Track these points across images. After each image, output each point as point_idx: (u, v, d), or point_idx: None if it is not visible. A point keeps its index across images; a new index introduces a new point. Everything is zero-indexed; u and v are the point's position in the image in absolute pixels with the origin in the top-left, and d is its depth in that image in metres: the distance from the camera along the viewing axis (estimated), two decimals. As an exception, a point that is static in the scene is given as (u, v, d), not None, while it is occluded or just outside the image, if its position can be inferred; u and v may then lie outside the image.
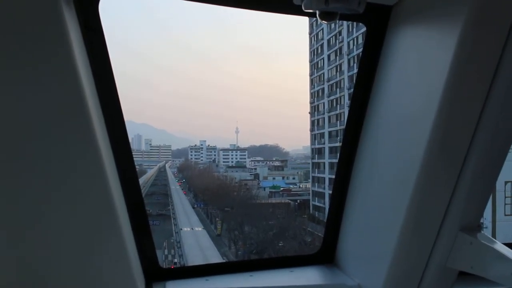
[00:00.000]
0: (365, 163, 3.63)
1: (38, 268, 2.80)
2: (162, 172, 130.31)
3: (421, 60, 3.11)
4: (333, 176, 4.04)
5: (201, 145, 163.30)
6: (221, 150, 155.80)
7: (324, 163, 77.26)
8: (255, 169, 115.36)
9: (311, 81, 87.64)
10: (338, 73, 77.12)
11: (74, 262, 2.87)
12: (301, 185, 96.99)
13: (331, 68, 79.90)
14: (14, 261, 2.75)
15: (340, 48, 76.57)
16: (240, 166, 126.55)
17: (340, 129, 71.10)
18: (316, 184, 79.04)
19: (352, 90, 3.88)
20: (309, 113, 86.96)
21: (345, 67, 74.18)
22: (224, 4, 3.24)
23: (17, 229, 2.70)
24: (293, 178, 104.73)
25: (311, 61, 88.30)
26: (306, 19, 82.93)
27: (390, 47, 3.37)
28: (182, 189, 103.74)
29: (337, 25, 72.40)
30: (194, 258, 48.33)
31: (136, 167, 3.50)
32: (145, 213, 3.45)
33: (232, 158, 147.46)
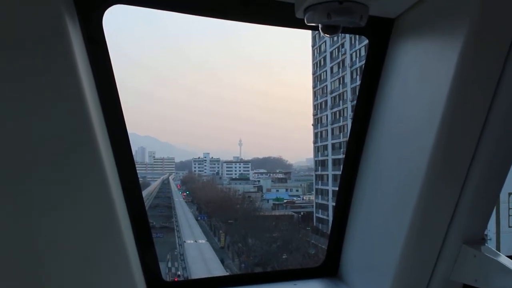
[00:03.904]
0: (368, 175, 3.62)
1: (40, 279, 2.79)
2: (165, 184, 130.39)
3: (423, 73, 3.12)
4: (337, 188, 4.04)
5: (205, 157, 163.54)
6: (225, 162, 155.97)
7: (327, 175, 77.27)
8: (259, 181, 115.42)
9: (314, 93, 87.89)
10: (341, 85, 77.35)
11: (76, 274, 2.86)
12: (304, 197, 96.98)
13: (334, 80, 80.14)
14: (16, 271, 2.74)
15: (343, 61, 76.87)
16: (244, 178, 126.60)
17: (343, 141, 71.17)
18: (320, 196, 79.01)
19: (355, 102, 3.89)
20: (312, 125, 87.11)
21: (347, 79, 74.44)
22: (228, 18, 3.26)
23: (19, 240, 2.69)
24: (297, 190, 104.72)
25: (314, 73, 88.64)
26: (308, 32, 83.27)
27: (392, 59, 3.38)
28: (184, 198, 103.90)
29: (339, 38, 72.71)
30: (198, 271, 48.13)
31: (140, 179, 3.50)
32: (148, 226, 3.44)
33: (235, 170, 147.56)
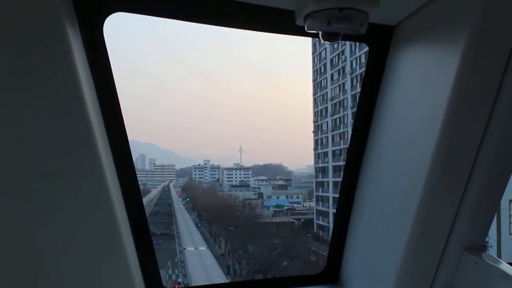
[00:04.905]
0: (369, 182, 3.62)
1: (40, 279, 2.78)
2: (166, 191, 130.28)
3: (423, 79, 3.12)
4: (337, 195, 4.03)
5: (205, 164, 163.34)
6: (225, 169, 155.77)
7: (328, 182, 77.17)
8: (259, 188, 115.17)
9: (315, 100, 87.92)
10: (341, 92, 77.38)
11: (77, 281, 2.85)
12: (305, 204, 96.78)
13: (334, 87, 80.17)
14: (16, 271, 2.73)
15: (343, 68, 76.93)
16: (244, 185, 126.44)
17: (343, 148, 71.12)
18: (320, 203, 78.89)
19: (355, 109, 3.89)
20: (313, 132, 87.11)
21: (348, 86, 74.48)
22: (229, 26, 3.27)
23: (19, 240, 2.68)
24: (297, 197, 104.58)
25: (314, 80, 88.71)
26: (309, 39, 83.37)
27: (393, 66, 3.39)
28: (184, 204, 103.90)
29: (339, 45, 72.86)
30: (198, 278, 48.00)
31: (140, 186, 3.50)
32: (148, 233, 3.44)
33: (235, 177, 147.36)
